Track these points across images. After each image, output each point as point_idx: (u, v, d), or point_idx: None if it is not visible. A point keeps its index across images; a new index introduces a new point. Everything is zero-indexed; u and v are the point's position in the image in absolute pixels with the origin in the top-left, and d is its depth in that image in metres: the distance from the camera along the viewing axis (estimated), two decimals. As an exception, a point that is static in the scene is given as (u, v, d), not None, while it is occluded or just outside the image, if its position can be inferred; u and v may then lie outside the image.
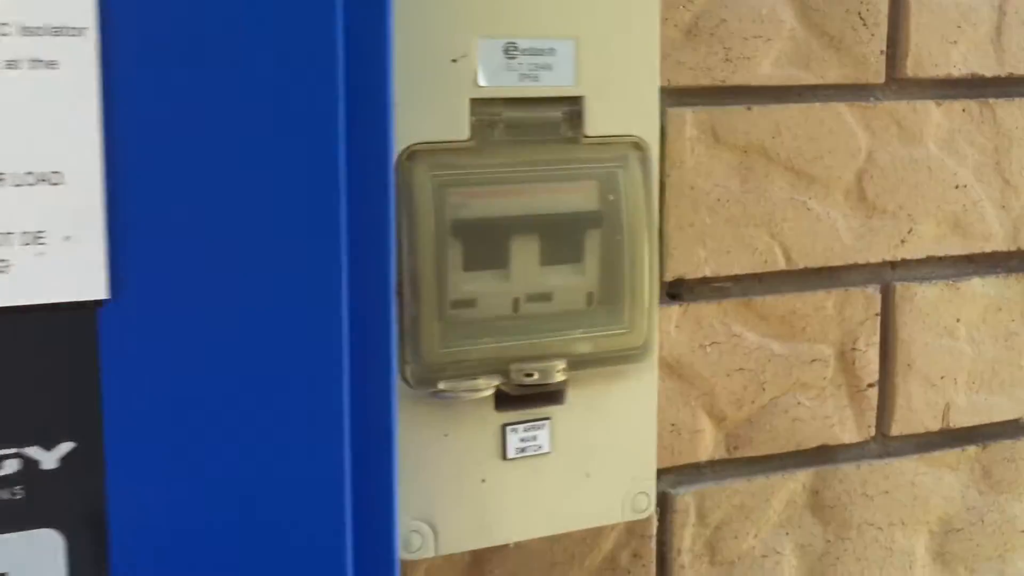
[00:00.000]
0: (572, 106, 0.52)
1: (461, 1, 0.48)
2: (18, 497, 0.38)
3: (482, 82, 0.49)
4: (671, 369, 0.65)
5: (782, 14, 0.64)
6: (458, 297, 0.49)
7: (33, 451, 0.37)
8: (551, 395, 0.53)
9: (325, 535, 0.41)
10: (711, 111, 0.63)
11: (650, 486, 0.58)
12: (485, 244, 0.49)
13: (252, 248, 0.38)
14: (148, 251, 0.37)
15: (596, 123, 0.52)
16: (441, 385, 0.49)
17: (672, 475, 0.66)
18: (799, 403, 0.68)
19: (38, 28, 0.35)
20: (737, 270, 0.65)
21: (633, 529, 0.66)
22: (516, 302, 0.50)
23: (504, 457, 0.53)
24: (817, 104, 0.66)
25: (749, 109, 0.64)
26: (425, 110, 0.48)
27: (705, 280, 0.65)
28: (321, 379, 0.40)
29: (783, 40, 0.64)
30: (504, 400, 0.52)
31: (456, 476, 0.52)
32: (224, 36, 0.37)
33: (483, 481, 0.53)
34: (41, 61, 0.33)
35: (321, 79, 0.38)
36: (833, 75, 0.65)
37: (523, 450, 0.53)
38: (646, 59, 0.52)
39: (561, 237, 0.51)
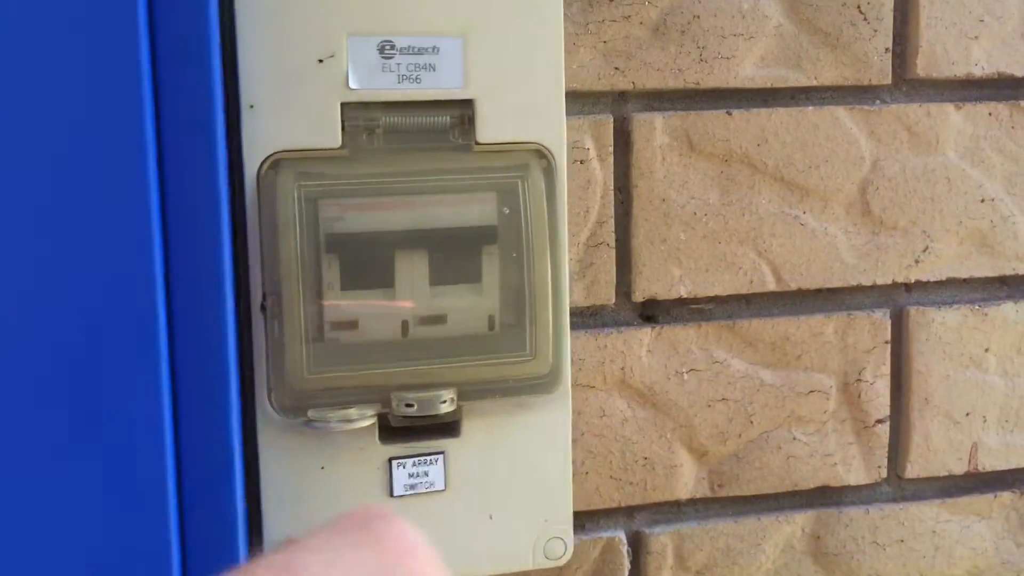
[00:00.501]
0: (462, 110, 0.47)
1: (326, -6, 0.44)
2: None
3: (353, 84, 0.45)
4: (643, 398, 0.59)
5: (766, 9, 0.58)
6: (336, 318, 0.45)
7: None
8: (444, 427, 0.48)
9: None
10: (684, 116, 0.58)
11: (566, 530, 0.52)
12: (366, 261, 0.45)
13: (54, 258, 0.36)
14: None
15: (490, 129, 0.47)
16: (310, 414, 0.45)
17: (646, 513, 0.61)
18: (795, 438, 0.62)
19: None
20: (719, 290, 0.59)
21: (602, 571, 0.61)
22: (405, 325, 0.46)
23: (391, 494, 0.48)
24: (810, 108, 0.59)
25: (729, 114, 0.58)
26: (290, 115, 0.44)
27: (682, 301, 0.59)
28: (138, 404, 0.37)
29: (768, 38, 0.58)
30: (389, 432, 0.48)
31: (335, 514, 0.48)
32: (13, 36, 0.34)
33: (368, 519, 0.48)
34: None
35: (122, 82, 0.35)
36: (829, 76, 0.59)
37: (413, 487, 0.48)
38: (548, 57, 0.47)
39: (454, 254, 0.46)
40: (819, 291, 0.61)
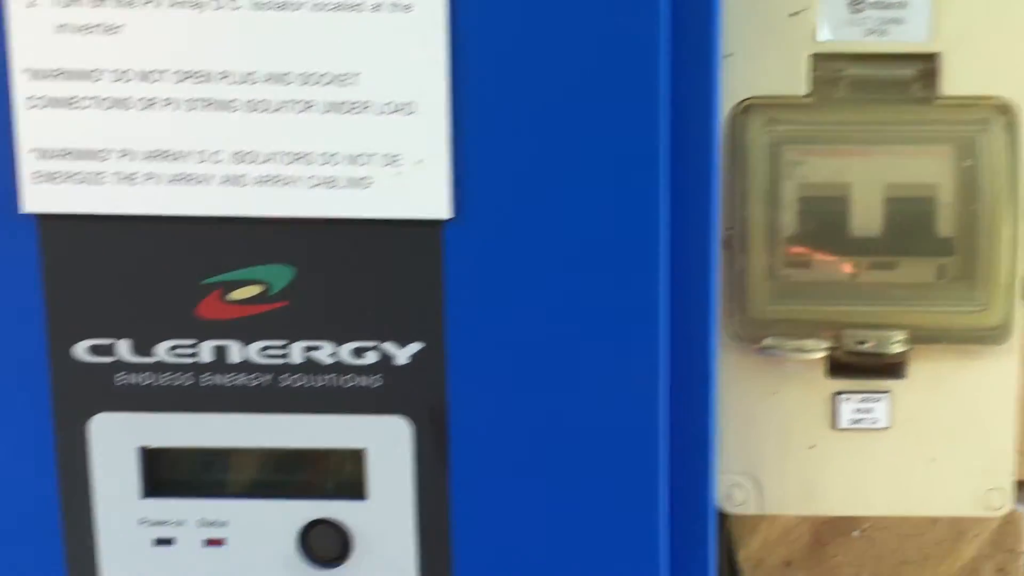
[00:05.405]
0: (925, 64, 0.50)
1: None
2: (376, 385, 0.45)
3: (822, 36, 0.50)
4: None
5: None
6: (792, 256, 0.50)
7: (389, 347, 0.45)
8: (890, 367, 0.51)
9: (639, 471, 0.45)
10: None
11: (1006, 482, 0.53)
12: (823, 205, 0.50)
13: (577, 189, 0.43)
14: (487, 179, 0.43)
15: (952, 82, 0.50)
16: (767, 340, 0.50)
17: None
18: None
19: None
20: None
21: (1000, 541, 0.61)
22: (856, 267, 0.50)
23: (834, 426, 0.52)
24: None
25: None
26: (762, 64, 0.50)
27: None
28: (639, 317, 0.44)
29: None
30: (836, 367, 0.51)
31: (783, 437, 0.53)
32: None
33: (812, 447, 0.53)
34: (398, 5, 0.41)
35: (643, 31, 0.42)
36: None
37: (857, 421, 0.52)
38: (1015, 12, 0.49)
39: (909, 204, 0.50)
40: None
